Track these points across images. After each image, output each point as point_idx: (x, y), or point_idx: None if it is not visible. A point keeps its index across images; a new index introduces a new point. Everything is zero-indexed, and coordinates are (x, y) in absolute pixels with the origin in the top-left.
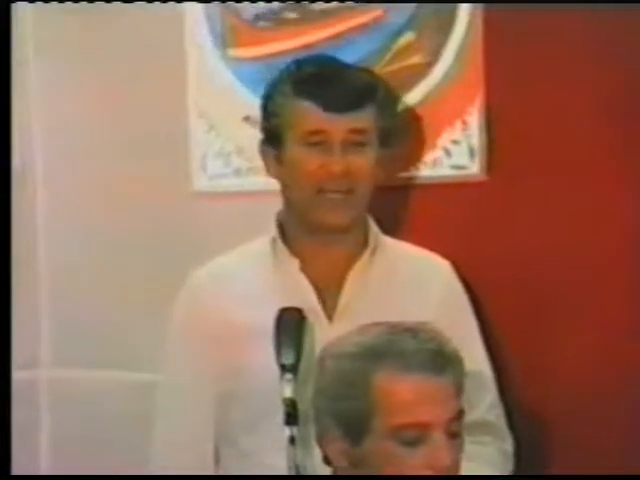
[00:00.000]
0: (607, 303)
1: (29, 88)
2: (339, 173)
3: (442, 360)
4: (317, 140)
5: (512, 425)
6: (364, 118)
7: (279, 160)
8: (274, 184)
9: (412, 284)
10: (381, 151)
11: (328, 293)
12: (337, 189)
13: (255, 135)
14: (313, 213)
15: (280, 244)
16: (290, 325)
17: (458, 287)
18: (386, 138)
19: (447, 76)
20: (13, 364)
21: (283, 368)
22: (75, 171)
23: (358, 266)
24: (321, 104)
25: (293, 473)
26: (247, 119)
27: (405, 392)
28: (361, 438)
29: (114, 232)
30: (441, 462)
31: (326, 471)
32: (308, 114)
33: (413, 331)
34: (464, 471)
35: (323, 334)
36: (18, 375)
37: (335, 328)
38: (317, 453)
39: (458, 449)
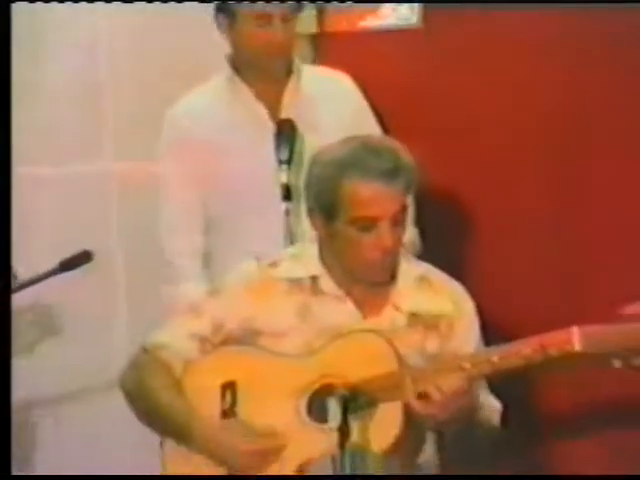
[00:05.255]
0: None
1: None
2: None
3: (395, 172)
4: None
5: None
6: None
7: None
8: None
9: (327, 98)
10: None
11: (273, 108)
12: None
13: None
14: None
15: (238, 81)
16: (285, 131)
17: (359, 96)
18: None
19: None
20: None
21: (280, 161)
22: None
23: (291, 86)
24: None
25: (288, 240)
26: None
27: (363, 194)
28: (332, 219)
29: None
30: (384, 243)
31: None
32: None
33: (377, 148)
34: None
35: (270, 135)
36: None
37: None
38: (305, 222)
39: (400, 233)
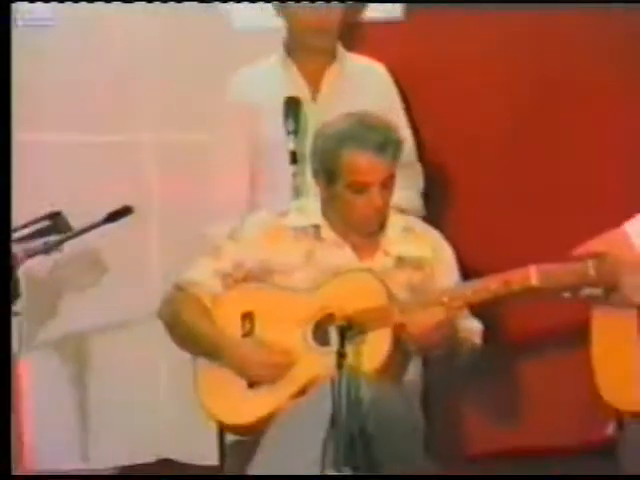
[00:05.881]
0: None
1: None
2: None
3: (385, 145)
4: None
5: None
6: None
7: None
8: None
9: (362, 83)
10: None
11: (315, 86)
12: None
13: None
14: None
15: (289, 61)
16: (292, 106)
17: (392, 86)
18: None
19: None
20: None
21: (288, 132)
22: None
23: (332, 69)
24: None
25: (295, 197)
26: None
27: (358, 163)
28: (333, 183)
29: None
30: (374, 204)
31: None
32: None
33: (371, 124)
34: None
35: (308, 109)
36: (118, 138)
37: (316, 105)
38: (308, 181)
39: (388, 196)
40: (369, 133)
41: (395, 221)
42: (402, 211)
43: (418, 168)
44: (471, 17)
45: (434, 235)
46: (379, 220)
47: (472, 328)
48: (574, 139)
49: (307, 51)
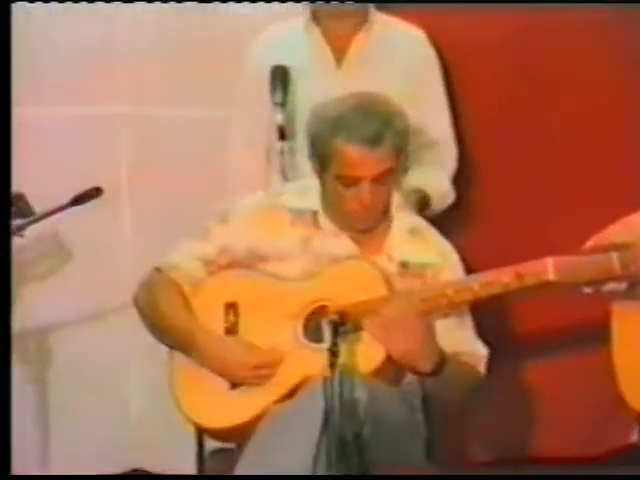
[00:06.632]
0: None
1: None
2: None
3: (380, 137)
4: None
5: None
6: None
7: None
8: None
9: (395, 52)
10: None
11: (341, 53)
12: None
13: None
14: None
15: (313, 25)
16: (279, 75)
17: (431, 56)
18: None
19: None
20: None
21: (275, 104)
22: None
23: (361, 34)
24: None
25: (283, 176)
26: None
27: (348, 155)
28: (324, 170)
29: None
30: (362, 200)
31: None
32: None
33: (369, 110)
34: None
35: (332, 77)
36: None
37: (342, 73)
38: (299, 161)
39: (382, 192)
40: (365, 121)
41: (401, 221)
42: (425, 195)
43: (451, 150)
44: (471, 16)
45: (441, 240)
46: (369, 217)
47: (476, 353)
48: (584, 133)
49: (333, 15)
